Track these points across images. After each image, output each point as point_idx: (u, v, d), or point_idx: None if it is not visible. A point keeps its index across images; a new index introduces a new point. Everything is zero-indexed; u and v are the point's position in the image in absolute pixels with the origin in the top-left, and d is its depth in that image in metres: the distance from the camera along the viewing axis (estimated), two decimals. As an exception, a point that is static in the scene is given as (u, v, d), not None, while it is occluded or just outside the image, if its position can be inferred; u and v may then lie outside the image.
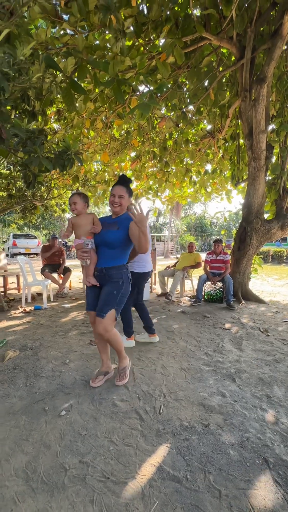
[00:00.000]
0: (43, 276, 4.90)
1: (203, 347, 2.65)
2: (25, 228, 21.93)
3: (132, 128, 5.33)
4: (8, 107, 2.46)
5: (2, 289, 5.15)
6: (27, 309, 4.08)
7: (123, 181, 1.91)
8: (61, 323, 3.43)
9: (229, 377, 2.07)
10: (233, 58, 4.14)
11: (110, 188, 2.27)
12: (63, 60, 3.02)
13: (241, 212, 4.68)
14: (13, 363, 2.29)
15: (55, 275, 4.99)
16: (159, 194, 6.79)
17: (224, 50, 4.35)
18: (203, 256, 5.11)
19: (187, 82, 4.50)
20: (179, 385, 1.95)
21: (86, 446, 1.38)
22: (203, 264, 4.77)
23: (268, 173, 4.45)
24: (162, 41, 3.34)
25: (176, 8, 3.28)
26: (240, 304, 4.25)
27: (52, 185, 5.23)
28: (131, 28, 3.15)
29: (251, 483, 1.17)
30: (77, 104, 3.96)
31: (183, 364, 2.29)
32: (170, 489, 1.15)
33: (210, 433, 1.48)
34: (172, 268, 5.24)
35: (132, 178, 6.49)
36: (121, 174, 1.84)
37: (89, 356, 2.42)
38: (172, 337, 2.91)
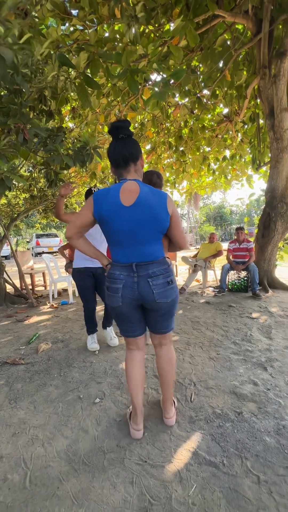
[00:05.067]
0: (67, 273, 5.05)
1: (230, 337, 2.61)
2: (48, 228, 22.67)
3: (146, 120, 5.26)
4: (27, 109, 2.52)
5: (31, 287, 5.40)
6: (55, 304, 4.25)
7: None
8: (87, 316, 3.54)
9: (260, 366, 2.03)
10: (249, 34, 3.91)
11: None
12: (75, 57, 3.04)
13: (262, 198, 4.49)
14: (46, 355, 2.41)
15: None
16: (176, 185, 6.68)
17: (239, 27, 4.13)
18: (224, 245, 4.99)
19: (201, 65, 4.34)
20: (209, 374, 1.95)
21: (121, 431, 1.43)
22: (225, 253, 4.67)
23: (292, 154, 4.19)
24: (173, 25, 3.23)
25: (186, -12, 3.15)
26: (267, 293, 4.12)
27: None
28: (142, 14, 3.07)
29: (291, 470, 1.15)
30: (91, 100, 3.99)
31: (211, 354, 2.27)
32: (207, 473, 1.16)
33: (244, 420, 1.46)
34: (194, 258, 5.18)
35: (148, 171, 6.44)
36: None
37: (117, 347, 2.48)
38: (198, 327, 2.89)
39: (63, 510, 1.04)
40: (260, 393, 1.69)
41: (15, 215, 5.13)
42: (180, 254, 12.23)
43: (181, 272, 7.07)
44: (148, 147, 5.98)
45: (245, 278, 4.31)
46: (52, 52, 2.90)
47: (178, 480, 1.14)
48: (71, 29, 3.23)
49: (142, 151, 1.26)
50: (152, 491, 1.09)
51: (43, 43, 1.64)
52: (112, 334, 2.59)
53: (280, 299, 3.81)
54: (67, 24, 3.31)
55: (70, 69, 2.91)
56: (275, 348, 2.32)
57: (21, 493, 1.11)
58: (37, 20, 2.86)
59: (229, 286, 4.44)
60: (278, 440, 1.32)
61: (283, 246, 4.89)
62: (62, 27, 3.39)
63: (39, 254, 15.35)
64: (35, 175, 4.37)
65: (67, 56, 3.01)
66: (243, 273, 4.31)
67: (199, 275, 5.42)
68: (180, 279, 6.00)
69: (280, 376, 1.87)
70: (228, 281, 4.43)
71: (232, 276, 4.42)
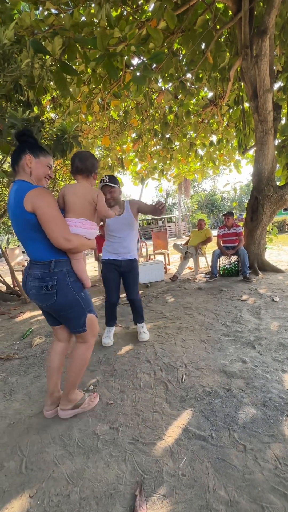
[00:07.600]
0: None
1: (221, 319, 2.67)
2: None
3: (130, 107, 5.15)
4: (3, 101, 2.45)
5: (23, 283, 5.37)
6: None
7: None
8: (81, 309, 3.56)
9: (249, 345, 2.09)
10: (229, 13, 3.82)
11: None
12: (51, 43, 2.93)
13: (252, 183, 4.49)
14: (40, 348, 2.43)
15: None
16: (164, 173, 6.63)
17: (220, 5, 4.02)
18: (214, 232, 5.02)
19: (182, 48, 4.23)
20: (200, 356, 2.00)
21: (114, 415, 1.47)
22: (214, 239, 4.71)
23: (277, 136, 4.19)
24: (152, 6, 3.13)
25: None
26: (257, 276, 4.19)
27: (57, 176, 5.24)
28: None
29: (275, 438, 1.21)
30: (70, 89, 3.87)
31: (202, 336, 2.33)
32: (196, 446, 1.21)
33: (232, 396, 1.52)
34: (185, 245, 5.21)
35: (136, 160, 6.35)
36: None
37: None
38: (190, 313, 2.94)
39: (59, 490, 1.07)
40: (248, 370, 1.75)
41: (1, 212, 5.03)
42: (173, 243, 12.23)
43: (173, 261, 7.12)
44: (133, 135, 5.89)
45: (236, 263, 4.37)
46: (27, 39, 2.79)
47: (169, 454, 1.18)
48: (45, 13, 3.10)
49: (28, 152, 1.26)
50: (144, 467, 1.14)
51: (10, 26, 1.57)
52: (142, 330, 2.44)
53: (270, 281, 3.89)
54: (40, 9, 3.18)
55: (46, 56, 2.81)
56: (263, 327, 2.38)
57: (18, 478, 1.15)
58: (7, 4, 2.74)
59: (221, 271, 4.49)
60: (265, 411, 1.38)
61: (271, 229, 4.96)
62: (36, 12, 3.25)
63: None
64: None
65: (42, 42, 2.89)
66: (234, 258, 4.36)
67: (191, 262, 5.47)
68: (173, 267, 6.05)
69: (268, 353, 1.94)
70: (220, 266, 4.48)
71: (223, 261, 4.47)
